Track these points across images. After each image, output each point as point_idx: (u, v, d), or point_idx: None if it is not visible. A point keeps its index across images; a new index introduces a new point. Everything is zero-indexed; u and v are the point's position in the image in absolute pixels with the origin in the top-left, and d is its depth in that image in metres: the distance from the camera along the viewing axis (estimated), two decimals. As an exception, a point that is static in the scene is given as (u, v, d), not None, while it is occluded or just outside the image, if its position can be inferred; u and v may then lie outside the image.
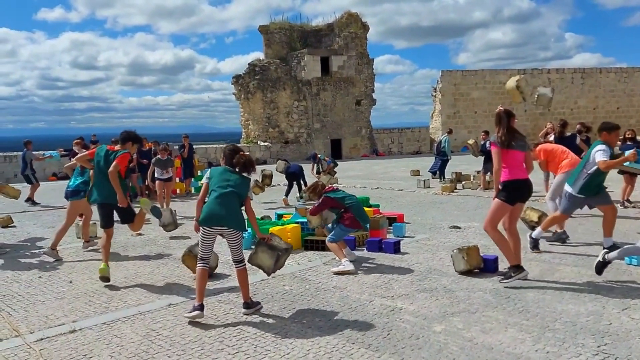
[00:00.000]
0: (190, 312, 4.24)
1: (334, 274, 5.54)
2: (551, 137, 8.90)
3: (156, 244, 7.62)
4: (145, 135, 15.12)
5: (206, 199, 4.50)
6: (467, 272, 5.28)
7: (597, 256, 5.82)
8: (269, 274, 4.88)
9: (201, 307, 4.25)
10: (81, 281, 5.64)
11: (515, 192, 4.95)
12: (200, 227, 4.39)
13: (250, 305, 4.44)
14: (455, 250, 5.42)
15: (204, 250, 4.43)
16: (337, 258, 5.78)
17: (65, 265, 6.44)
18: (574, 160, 6.98)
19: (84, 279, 5.71)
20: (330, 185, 6.60)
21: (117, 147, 5.90)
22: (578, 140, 9.23)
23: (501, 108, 5.07)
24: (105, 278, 5.39)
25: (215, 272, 5.80)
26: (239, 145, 4.33)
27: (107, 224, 5.77)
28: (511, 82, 6.63)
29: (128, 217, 5.91)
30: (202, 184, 4.64)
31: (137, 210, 6.14)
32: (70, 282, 5.62)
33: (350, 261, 5.71)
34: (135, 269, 6.10)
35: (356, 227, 6.01)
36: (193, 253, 5.47)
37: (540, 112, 33.77)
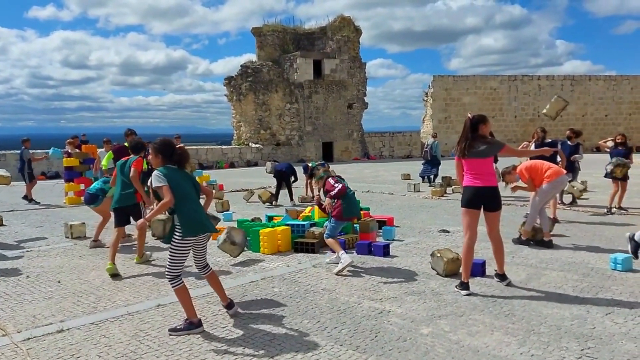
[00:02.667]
0: (192, 330, 4.00)
1: (336, 274, 5.59)
2: (532, 146, 8.91)
3: (145, 244, 7.58)
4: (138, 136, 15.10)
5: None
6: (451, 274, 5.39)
7: (582, 262, 5.92)
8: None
9: (201, 323, 4.08)
10: (69, 281, 5.62)
11: (471, 198, 4.87)
12: (184, 240, 3.99)
13: (232, 305, 4.38)
14: (436, 253, 5.58)
15: (182, 265, 4.07)
16: (337, 254, 5.78)
17: (53, 265, 6.41)
18: (557, 169, 7.06)
19: (73, 279, 5.69)
20: (333, 176, 6.46)
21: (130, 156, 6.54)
22: (559, 146, 9.37)
23: (469, 115, 5.02)
24: (115, 275, 5.70)
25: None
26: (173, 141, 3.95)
27: (118, 223, 6.30)
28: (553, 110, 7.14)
29: (138, 215, 6.41)
30: (159, 187, 4.01)
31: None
32: (59, 282, 5.60)
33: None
34: (124, 270, 6.08)
35: (345, 219, 6.06)
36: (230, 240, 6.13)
37: (530, 119, 34.12)
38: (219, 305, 4.67)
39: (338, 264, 5.69)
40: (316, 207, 8.83)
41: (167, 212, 4.16)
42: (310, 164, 12.93)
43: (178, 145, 4.30)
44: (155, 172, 4.07)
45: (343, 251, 5.75)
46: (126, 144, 9.10)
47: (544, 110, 8.31)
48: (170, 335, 3.97)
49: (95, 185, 7.51)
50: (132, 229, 7.18)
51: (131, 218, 6.46)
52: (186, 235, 3.98)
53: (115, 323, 4.27)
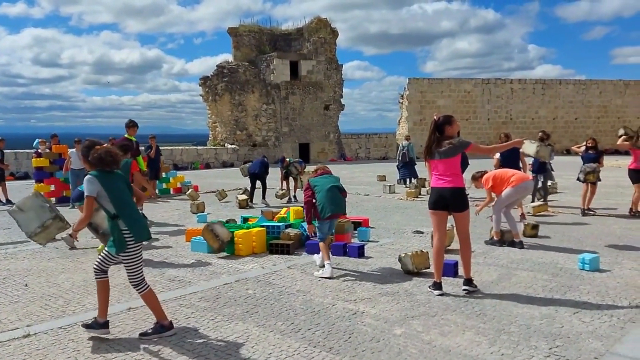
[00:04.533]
0: (97, 329, 3.93)
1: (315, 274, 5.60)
2: (497, 155, 9.11)
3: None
4: (113, 136, 14.82)
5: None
6: (415, 273, 5.49)
7: (552, 262, 6.05)
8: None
9: (107, 324, 3.96)
10: (37, 284, 5.48)
11: (436, 199, 4.89)
12: (137, 244, 3.90)
13: (164, 327, 3.96)
14: (403, 255, 5.67)
15: (142, 269, 4.02)
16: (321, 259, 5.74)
17: (20, 268, 6.24)
18: (522, 175, 7.21)
19: (41, 282, 5.55)
20: (324, 169, 6.25)
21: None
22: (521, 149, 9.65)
23: (434, 117, 5.05)
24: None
25: (176, 276, 5.74)
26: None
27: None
28: (531, 148, 7.08)
29: None
30: (87, 196, 3.89)
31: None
32: (26, 285, 5.45)
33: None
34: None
35: (327, 218, 5.73)
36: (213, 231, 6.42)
37: (503, 121, 34.76)
38: (192, 308, 4.62)
39: (321, 267, 5.68)
40: (291, 208, 8.83)
41: (109, 218, 3.88)
42: (288, 159, 12.97)
43: (96, 147, 3.97)
44: (86, 178, 3.89)
45: (329, 261, 5.61)
46: (127, 135, 9.04)
47: (541, 154, 8.13)
48: (141, 339, 3.90)
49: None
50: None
51: None
52: (138, 239, 3.89)
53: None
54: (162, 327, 3.96)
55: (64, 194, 13.22)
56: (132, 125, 9.11)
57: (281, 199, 12.52)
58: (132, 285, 3.98)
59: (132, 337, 3.95)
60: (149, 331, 3.95)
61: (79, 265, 6.28)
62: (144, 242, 4.07)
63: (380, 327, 4.09)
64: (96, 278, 4.02)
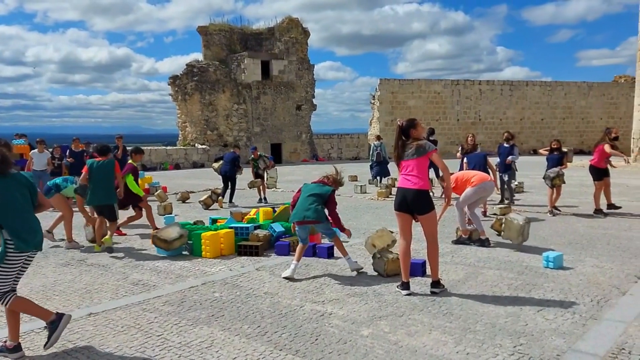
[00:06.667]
0: (7, 354, 3.60)
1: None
2: (458, 154, 9.33)
3: (80, 249, 7.24)
4: (78, 136, 14.45)
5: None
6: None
7: (517, 260, 6.13)
8: None
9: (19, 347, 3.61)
10: (-7, 290, 5.25)
11: (399, 200, 4.91)
12: (17, 255, 3.56)
13: (19, 348, 3.62)
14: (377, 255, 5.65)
15: (10, 282, 3.62)
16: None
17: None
18: (482, 176, 7.34)
19: (-3, 288, 5.32)
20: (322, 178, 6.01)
21: (100, 158, 7.30)
22: (479, 150, 9.98)
23: (398, 122, 5.07)
24: (110, 248, 6.95)
25: (140, 280, 5.60)
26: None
27: (109, 218, 7.25)
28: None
29: (113, 216, 7.29)
30: None
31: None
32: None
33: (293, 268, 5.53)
34: (55, 277, 5.76)
35: (296, 223, 5.66)
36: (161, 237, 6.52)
37: (472, 122, 35.32)
38: (155, 312, 4.50)
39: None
40: (261, 209, 8.73)
41: None
42: (259, 153, 13.01)
43: None
44: None
45: (295, 263, 5.54)
46: (131, 161, 8.38)
47: (517, 240, 6.94)
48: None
49: (55, 180, 7.76)
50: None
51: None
52: (21, 249, 3.54)
53: (41, 335, 4.01)
54: (6, 349, 3.61)
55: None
56: (137, 152, 8.56)
57: (250, 187, 12.48)
58: None
59: (92, 344, 3.81)
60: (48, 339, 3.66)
61: (37, 270, 6.06)
62: (31, 255, 3.69)
63: (348, 328, 4.06)
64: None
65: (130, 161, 8.36)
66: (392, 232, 6.34)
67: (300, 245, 5.72)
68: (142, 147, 9.64)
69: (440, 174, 8.14)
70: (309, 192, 5.78)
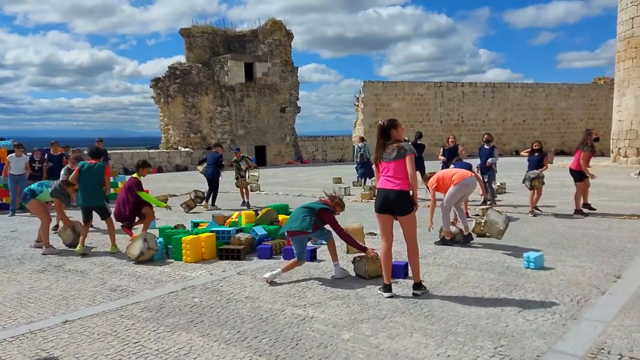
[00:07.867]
0: None
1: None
2: (441, 157, 9.38)
3: (57, 255, 7.09)
4: (57, 139, 14.30)
5: None
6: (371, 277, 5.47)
7: (499, 261, 6.15)
8: None
9: None
10: (-35, 299, 5.11)
11: (380, 202, 4.89)
12: None
13: None
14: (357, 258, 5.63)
15: None
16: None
17: (-52, 281, 5.81)
18: (463, 173, 7.38)
19: (-31, 296, 5.18)
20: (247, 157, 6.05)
21: (92, 161, 7.47)
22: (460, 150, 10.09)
23: (379, 122, 5.05)
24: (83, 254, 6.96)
25: (118, 286, 5.49)
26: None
27: (86, 220, 7.35)
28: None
29: (105, 213, 7.35)
30: None
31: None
32: (-48, 300, 5.08)
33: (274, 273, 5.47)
34: (31, 284, 5.63)
35: (288, 234, 5.66)
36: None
37: (455, 124, 35.60)
38: (133, 319, 4.41)
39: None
40: (243, 212, 8.65)
41: None
42: (242, 154, 12.93)
43: None
44: None
45: (279, 272, 5.45)
46: (135, 175, 8.05)
47: (498, 233, 7.03)
48: None
49: (32, 185, 7.66)
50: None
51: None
52: None
53: (15, 343, 3.91)
54: None
55: (4, 201, 12.55)
56: (144, 165, 8.30)
57: (238, 186, 12.38)
58: None
59: (66, 352, 3.71)
60: None
61: (13, 277, 5.92)
62: None
63: (329, 332, 4.02)
64: None
65: (135, 175, 7.95)
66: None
67: (294, 260, 5.58)
68: (123, 151, 9.49)
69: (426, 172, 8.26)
70: (303, 205, 5.79)
